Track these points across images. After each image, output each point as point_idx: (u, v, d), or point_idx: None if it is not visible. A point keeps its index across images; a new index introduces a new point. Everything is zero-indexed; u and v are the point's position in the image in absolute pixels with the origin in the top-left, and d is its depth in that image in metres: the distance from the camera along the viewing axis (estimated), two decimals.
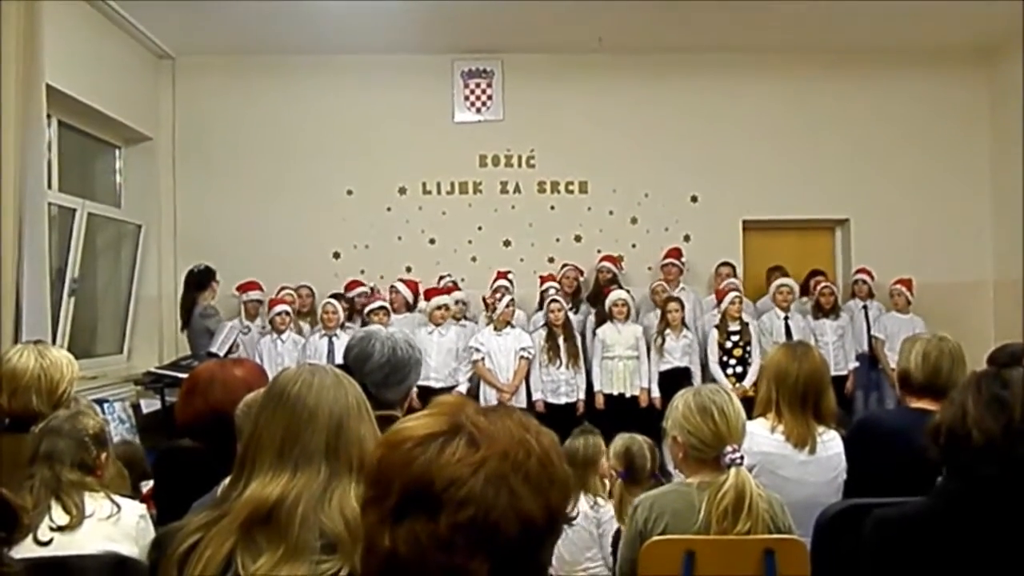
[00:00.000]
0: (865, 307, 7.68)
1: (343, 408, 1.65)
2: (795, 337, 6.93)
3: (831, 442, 2.91)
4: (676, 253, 7.84)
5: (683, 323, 7.02)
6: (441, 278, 7.76)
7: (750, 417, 3.03)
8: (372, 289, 7.59)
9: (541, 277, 7.71)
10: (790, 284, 7.36)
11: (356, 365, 2.67)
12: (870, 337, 7.53)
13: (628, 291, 7.30)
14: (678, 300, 7.10)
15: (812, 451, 2.87)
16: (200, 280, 6.89)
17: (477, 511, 0.98)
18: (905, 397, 3.00)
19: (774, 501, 2.38)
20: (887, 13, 7.12)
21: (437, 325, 6.99)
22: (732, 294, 7.01)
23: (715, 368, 6.88)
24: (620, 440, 3.63)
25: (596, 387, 6.97)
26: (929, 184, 8.21)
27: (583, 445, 3.97)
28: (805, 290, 7.69)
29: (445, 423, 1.06)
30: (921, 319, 7.32)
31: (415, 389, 6.58)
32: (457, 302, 7.28)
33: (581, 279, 7.79)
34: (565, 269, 7.76)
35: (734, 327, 6.90)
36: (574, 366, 6.93)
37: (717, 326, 6.98)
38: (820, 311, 7.37)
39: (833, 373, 6.98)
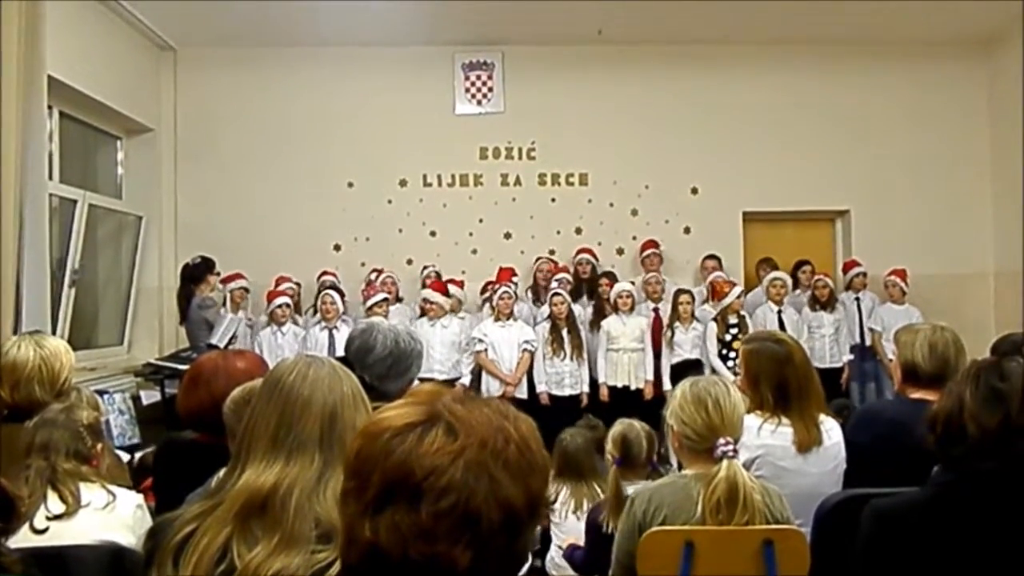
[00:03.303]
0: (858, 299, 7.67)
1: (338, 398, 1.65)
2: (788, 331, 6.92)
3: (831, 431, 2.90)
4: (652, 244, 7.83)
5: (693, 315, 7.02)
6: (424, 268, 7.74)
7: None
8: (370, 281, 7.58)
9: (551, 268, 7.68)
10: (783, 278, 7.37)
11: (358, 357, 2.68)
12: (862, 328, 7.54)
13: (633, 282, 7.32)
14: (688, 292, 7.11)
15: (819, 446, 2.85)
16: (195, 273, 6.88)
17: (458, 499, 0.98)
18: (906, 388, 2.99)
19: (771, 492, 2.37)
20: (886, 4, 7.13)
21: (439, 319, 6.99)
22: (737, 288, 7.03)
23: (716, 361, 6.86)
24: (619, 426, 3.60)
25: (601, 379, 6.97)
26: (929, 175, 8.21)
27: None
28: (795, 282, 7.69)
29: (423, 412, 1.05)
30: (917, 310, 7.36)
31: (417, 382, 6.61)
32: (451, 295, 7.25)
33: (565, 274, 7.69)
34: (539, 262, 7.75)
35: (732, 320, 6.90)
36: (578, 358, 6.92)
37: (715, 319, 6.97)
38: (816, 303, 7.37)
39: (828, 365, 7.13)
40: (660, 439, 3.84)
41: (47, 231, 5.04)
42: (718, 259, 7.82)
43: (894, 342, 3.13)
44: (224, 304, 7.20)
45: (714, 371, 6.69)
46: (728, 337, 6.85)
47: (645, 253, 7.80)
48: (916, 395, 2.92)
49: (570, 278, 7.45)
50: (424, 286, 7.34)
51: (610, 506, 3.18)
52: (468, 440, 1.02)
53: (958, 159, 8.27)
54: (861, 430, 2.95)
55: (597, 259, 7.84)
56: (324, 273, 7.64)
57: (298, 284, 7.61)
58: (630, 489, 3.27)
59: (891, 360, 3.15)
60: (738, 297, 6.95)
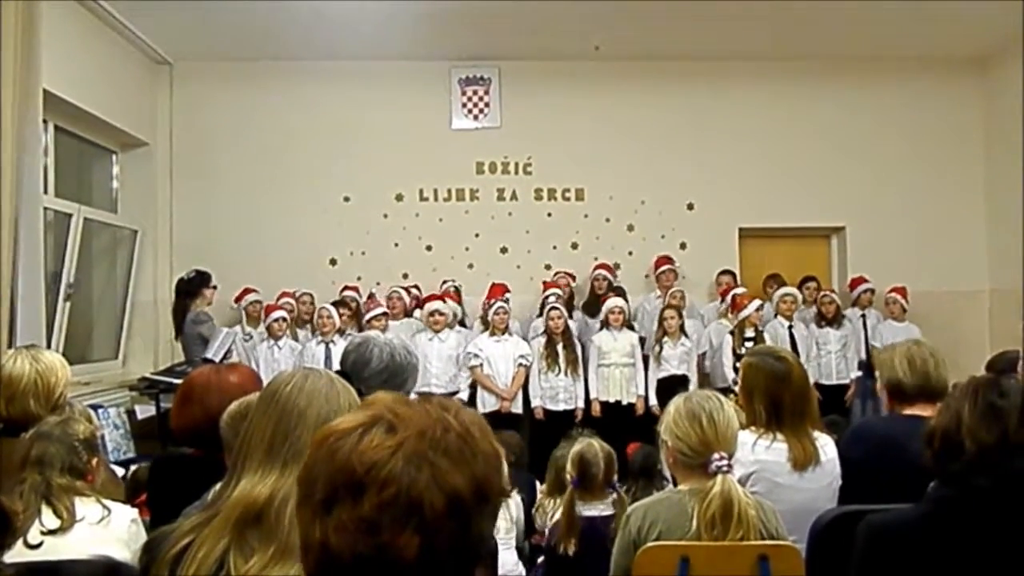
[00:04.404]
0: (863, 316, 7.68)
1: (334, 410, 1.65)
2: (800, 347, 6.95)
3: (826, 447, 2.90)
4: (667, 260, 7.84)
5: (681, 331, 7.02)
6: (444, 282, 7.76)
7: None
8: (371, 295, 7.58)
9: (545, 283, 7.69)
10: (794, 293, 7.37)
11: (354, 370, 2.67)
12: (867, 345, 7.54)
13: (625, 298, 7.31)
14: (675, 308, 7.10)
15: (816, 463, 2.85)
16: (190, 287, 6.87)
17: (399, 488, 0.99)
18: (895, 405, 3.00)
19: (765, 508, 2.37)
20: (883, 22, 7.17)
21: (437, 332, 6.99)
22: (756, 301, 7.03)
23: (730, 373, 6.84)
24: (577, 445, 3.50)
25: (592, 395, 6.95)
26: (925, 192, 8.23)
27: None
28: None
29: (366, 417, 1.07)
30: (917, 327, 7.35)
31: (415, 396, 6.60)
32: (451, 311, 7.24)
33: (573, 285, 7.78)
34: (556, 276, 7.75)
35: (749, 333, 6.89)
36: (573, 373, 6.91)
37: (732, 332, 6.98)
38: (823, 320, 7.37)
39: (835, 382, 7.11)
40: (656, 454, 3.82)
41: (42, 245, 5.04)
42: (733, 274, 7.84)
43: (876, 365, 3.15)
44: (240, 321, 7.25)
45: (730, 390, 6.65)
46: (743, 351, 6.85)
47: (660, 269, 7.80)
48: (908, 411, 2.94)
49: (560, 292, 7.42)
50: (421, 303, 7.33)
51: (563, 528, 3.14)
52: (406, 433, 1.03)
53: (953, 176, 8.31)
54: (854, 446, 2.95)
55: (615, 275, 7.85)
56: (347, 288, 7.66)
57: (310, 295, 7.62)
58: (585, 511, 3.25)
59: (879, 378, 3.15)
60: (757, 310, 6.95)
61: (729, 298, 7.42)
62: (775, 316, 7.36)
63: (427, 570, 0.99)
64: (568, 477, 3.38)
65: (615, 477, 3.48)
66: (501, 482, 1.10)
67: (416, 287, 7.80)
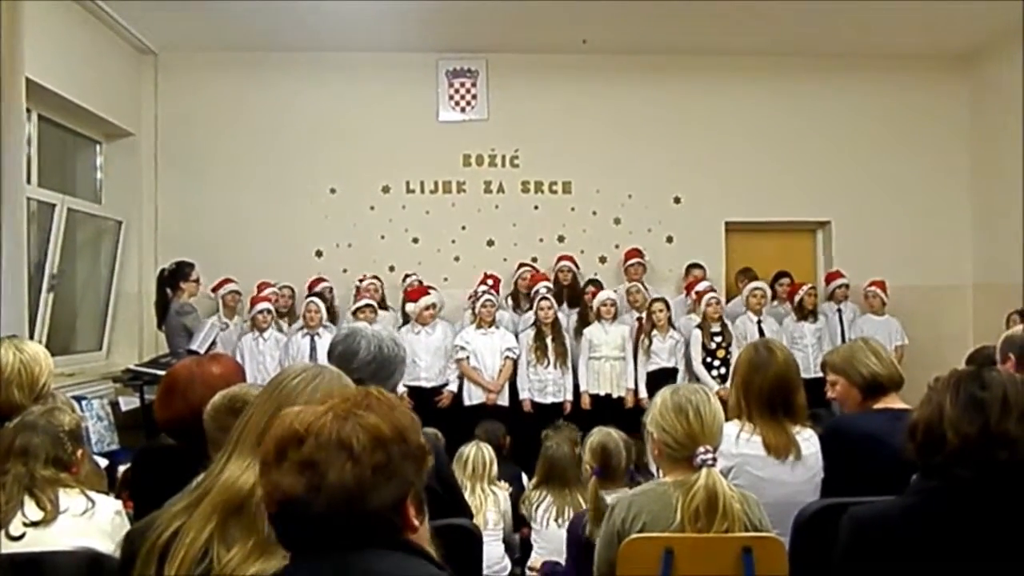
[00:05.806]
0: (839, 310, 7.71)
1: None
2: None
3: (808, 441, 2.91)
4: (636, 253, 7.84)
5: (669, 323, 7.02)
6: (406, 277, 7.70)
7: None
8: (357, 288, 7.55)
9: (533, 276, 7.66)
10: (763, 287, 7.37)
11: (342, 362, 2.65)
12: (844, 339, 7.55)
13: (616, 291, 7.32)
14: (663, 300, 7.09)
15: (797, 457, 2.86)
16: (171, 279, 6.80)
17: (331, 434, 1.29)
18: (868, 401, 3.02)
19: (749, 500, 2.38)
20: (869, 18, 7.18)
21: (424, 325, 6.97)
22: (709, 295, 7.03)
23: (699, 369, 6.87)
24: (597, 435, 3.53)
25: (582, 387, 6.95)
26: (910, 188, 8.27)
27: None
28: (773, 293, 7.65)
29: (305, 406, 1.38)
30: (896, 320, 7.43)
31: (405, 389, 6.57)
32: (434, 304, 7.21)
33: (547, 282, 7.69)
34: (521, 271, 7.75)
35: (716, 327, 6.91)
36: (562, 366, 6.90)
37: (699, 326, 6.98)
38: (801, 313, 7.39)
39: (813, 375, 7.11)
40: (641, 447, 3.83)
41: (25, 235, 5.00)
42: (703, 268, 7.84)
43: (830, 371, 3.15)
44: (218, 310, 7.18)
45: (697, 379, 6.71)
46: (713, 345, 6.87)
47: (629, 262, 7.79)
48: (880, 406, 2.97)
49: (550, 284, 7.42)
50: (405, 293, 7.30)
51: (591, 518, 3.16)
52: (335, 402, 1.35)
53: (939, 172, 8.34)
54: (833, 443, 2.96)
55: (578, 267, 7.83)
56: (319, 280, 7.62)
57: (291, 288, 7.58)
58: (608, 498, 3.27)
59: (834, 384, 3.16)
60: (709, 304, 6.93)
61: (685, 292, 7.50)
62: (745, 311, 7.37)
63: (361, 492, 1.26)
64: (587, 468, 3.40)
65: (633, 465, 3.52)
66: (419, 439, 1.36)
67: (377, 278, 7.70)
